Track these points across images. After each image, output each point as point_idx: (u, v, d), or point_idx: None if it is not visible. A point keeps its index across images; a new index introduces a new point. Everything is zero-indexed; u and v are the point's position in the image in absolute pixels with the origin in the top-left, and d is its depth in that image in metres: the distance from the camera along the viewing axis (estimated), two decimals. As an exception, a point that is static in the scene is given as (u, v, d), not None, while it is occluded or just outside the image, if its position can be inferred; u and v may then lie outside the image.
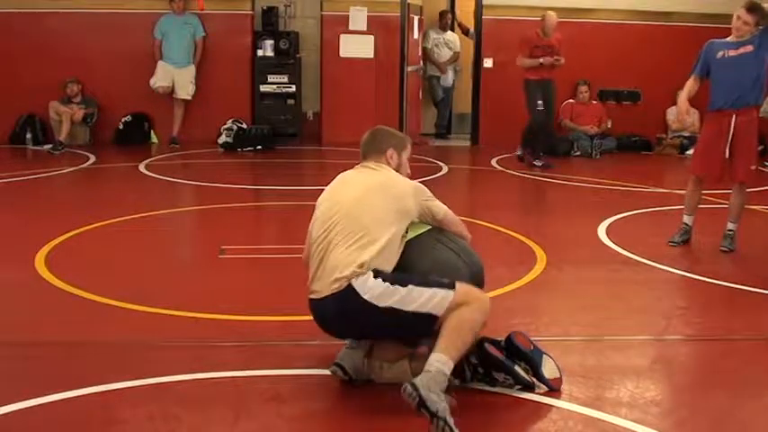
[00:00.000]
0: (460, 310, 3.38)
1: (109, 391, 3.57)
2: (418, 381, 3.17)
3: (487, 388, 3.65)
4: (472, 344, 3.52)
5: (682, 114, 6.44)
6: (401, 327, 3.47)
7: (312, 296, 3.58)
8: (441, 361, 3.28)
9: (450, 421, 3.09)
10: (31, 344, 4.16)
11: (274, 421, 3.41)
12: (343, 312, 3.47)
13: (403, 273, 3.53)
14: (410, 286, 3.40)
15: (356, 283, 3.39)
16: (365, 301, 3.39)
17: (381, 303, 3.38)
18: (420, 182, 4.00)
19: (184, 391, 3.64)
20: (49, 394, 3.48)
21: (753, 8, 5.86)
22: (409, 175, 3.91)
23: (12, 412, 3.35)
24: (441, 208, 3.83)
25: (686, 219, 6.36)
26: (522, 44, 10.04)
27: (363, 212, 3.54)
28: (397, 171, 3.84)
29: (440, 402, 3.12)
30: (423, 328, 3.45)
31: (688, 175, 6.53)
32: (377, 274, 3.42)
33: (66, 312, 4.66)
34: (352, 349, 3.67)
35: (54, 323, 4.48)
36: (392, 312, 3.39)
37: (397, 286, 3.39)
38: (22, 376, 3.77)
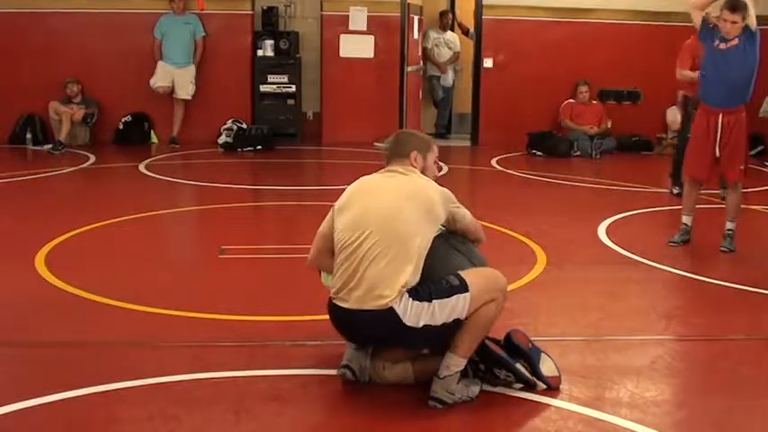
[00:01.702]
0: (481, 311, 3.48)
1: (109, 391, 3.57)
2: (438, 394, 3.47)
3: (488, 387, 3.65)
4: None
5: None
6: (432, 339, 3.51)
7: (340, 303, 3.52)
8: (456, 364, 3.49)
9: (467, 397, 3.51)
10: (31, 344, 4.16)
11: (274, 421, 3.41)
12: (378, 329, 3.47)
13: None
14: (434, 301, 3.44)
15: (398, 307, 3.40)
16: (404, 323, 3.41)
17: (419, 324, 3.42)
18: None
19: (184, 391, 3.64)
20: (49, 394, 3.48)
21: (736, 6, 5.85)
22: (436, 177, 3.85)
23: (12, 412, 3.35)
24: (464, 214, 3.79)
25: (685, 219, 6.35)
26: (684, 53, 8.31)
27: (399, 224, 3.49)
28: (422, 173, 3.77)
29: (465, 391, 3.51)
30: (450, 334, 3.49)
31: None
32: (409, 292, 3.43)
33: (66, 312, 4.66)
34: (358, 350, 3.67)
35: (54, 323, 4.48)
36: (426, 329, 3.43)
37: (425, 303, 3.43)
38: (22, 376, 3.77)
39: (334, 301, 3.56)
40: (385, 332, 3.47)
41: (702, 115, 6.12)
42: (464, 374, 3.58)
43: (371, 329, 3.48)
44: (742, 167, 6.13)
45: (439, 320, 3.43)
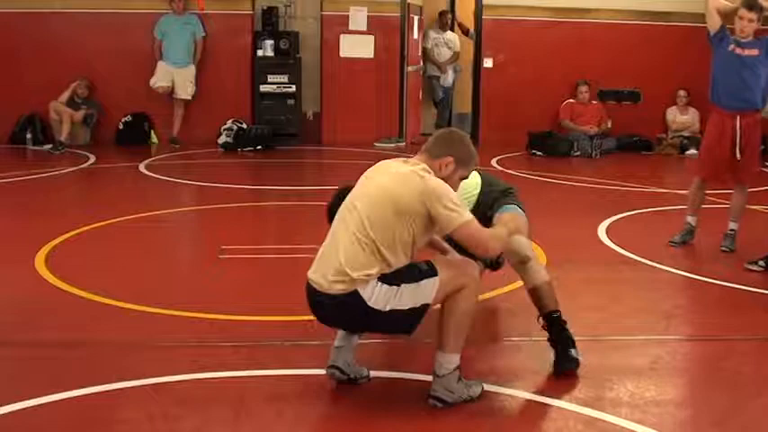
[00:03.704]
0: (456, 302, 3.44)
1: (109, 391, 3.57)
2: (438, 392, 3.48)
3: (489, 387, 3.65)
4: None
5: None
6: (397, 323, 3.47)
7: (311, 283, 3.50)
8: (449, 362, 3.47)
9: (468, 397, 3.50)
10: (31, 344, 4.16)
11: (274, 421, 3.41)
12: (344, 313, 3.46)
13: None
14: (402, 285, 3.41)
15: (363, 291, 3.38)
16: (370, 306, 3.39)
17: (386, 307, 3.40)
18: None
19: (184, 391, 3.64)
20: (49, 394, 3.49)
21: (753, 5, 5.89)
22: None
23: (12, 412, 3.35)
24: (454, 220, 3.39)
25: (690, 219, 6.35)
26: None
27: (379, 206, 3.41)
28: (443, 180, 3.50)
29: (466, 390, 3.51)
30: (417, 319, 3.46)
31: (688, 175, 6.55)
32: (380, 278, 3.41)
33: (66, 312, 4.66)
34: (340, 348, 3.67)
35: (54, 323, 4.48)
36: (392, 313, 3.41)
37: (393, 287, 3.40)
38: (22, 376, 3.77)
39: (308, 277, 3.53)
40: (350, 316, 3.46)
41: (717, 118, 6.12)
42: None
43: (337, 313, 3.47)
44: (757, 170, 6.17)
45: (406, 304, 3.41)
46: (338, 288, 3.39)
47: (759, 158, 6.26)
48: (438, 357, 3.49)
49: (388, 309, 3.40)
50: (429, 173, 3.48)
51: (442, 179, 3.50)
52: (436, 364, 3.49)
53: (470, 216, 3.45)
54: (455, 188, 3.56)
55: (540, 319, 4.03)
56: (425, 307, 3.45)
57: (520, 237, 4.03)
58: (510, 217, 4.06)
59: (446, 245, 3.81)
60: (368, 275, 3.37)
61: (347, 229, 3.43)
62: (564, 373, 3.89)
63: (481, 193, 4.27)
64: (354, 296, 3.38)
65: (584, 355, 4.15)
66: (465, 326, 3.51)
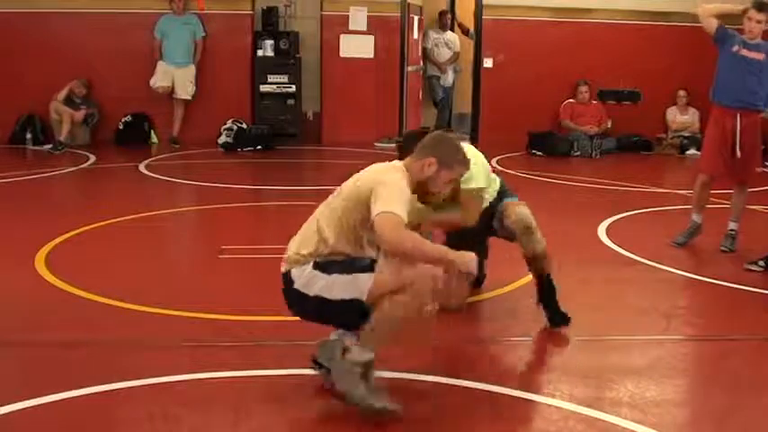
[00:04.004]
0: (387, 303, 3.28)
1: (109, 391, 3.57)
2: (333, 371, 3.36)
3: (488, 387, 3.65)
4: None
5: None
6: (328, 313, 3.44)
7: None
8: (357, 354, 3.34)
9: (364, 403, 3.27)
10: (30, 344, 4.16)
11: (274, 421, 3.41)
12: (285, 296, 3.51)
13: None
14: (335, 274, 3.37)
15: (293, 272, 3.42)
16: (296, 289, 3.42)
17: (310, 292, 3.39)
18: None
19: (184, 391, 3.64)
20: (49, 394, 3.48)
21: (762, 7, 5.88)
22: (437, 194, 3.56)
23: (12, 412, 3.35)
24: (380, 209, 3.26)
25: (695, 217, 6.32)
26: None
27: (346, 194, 3.45)
28: (423, 181, 3.49)
29: (355, 389, 3.28)
30: (350, 317, 3.40)
31: (688, 175, 6.54)
32: (316, 264, 3.40)
33: (66, 312, 4.66)
34: (320, 344, 3.64)
35: (54, 323, 4.48)
36: (320, 300, 3.39)
37: (323, 274, 3.37)
38: (22, 376, 3.77)
39: None
40: (290, 300, 3.48)
41: (718, 116, 6.12)
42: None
43: (284, 297, 3.51)
44: (758, 170, 6.16)
45: (337, 295, 3.35)
46: (282, 269, 3.47)
47: (760, 158, 6.25)
48: (354, 342, 3.39)
49: (313, 294, 3.38)
50: (402, 170, 3.47)
51: (426, 180, 3.48)
52: (348, 343, 3.38)
53: (398, 212, 3.27)
54: (443, 189, 3.54)
55: (537, 295, 4.58)
56: (360, 303, 3.34)
57: (525, 208, 4.52)
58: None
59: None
60: (303, 255, 3.40)
61: (313, 216, 3.51)
62: (558, 327, 4.46)
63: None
64: (287, 277, 3.44)
65: (584, 355, 4.16)
66: (388, 333, 3.35)
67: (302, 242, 3.47)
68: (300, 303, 3.46)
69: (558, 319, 4.51)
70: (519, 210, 4.49)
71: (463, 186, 4.27)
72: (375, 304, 3.33)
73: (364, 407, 3.29)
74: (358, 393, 3.29)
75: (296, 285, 3.41)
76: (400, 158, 3.65)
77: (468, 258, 3.31)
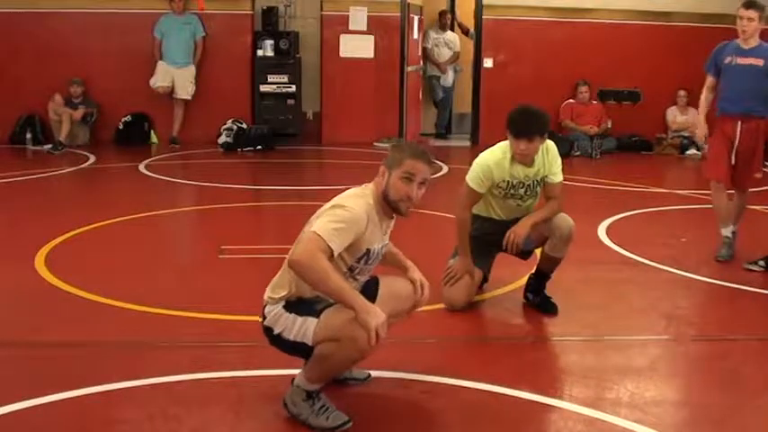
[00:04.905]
0: (330, 346, 3.22)
1: (109, 391, 3.58)
2: (286, 397, 3.41)
3: (488, 387, 3.65)
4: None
5: (702, 133, 6.34)
6: (292, 350, 3.41)
7: None
8: (301, 381, 3.36)
9: (311, 421, 3.32)
10: (31, 344, 4.16)
11: (274, 421, 3.41)
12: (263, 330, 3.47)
13: None
14: (292, 314, 3.35)
15: (267, 308, 3.41)
16: (266, 326, 3.41)
17: (275, 330, 3.38)
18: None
19: (184, 391, 3.64)
20: (49, 394, 3.49)
21: (750, 4, 5.86)
22: (404, 199, 3.41)
23: (12, 412, 3.35)
24: (313, 228, 3.23)
25: (724, 231, 6.11)
26: None
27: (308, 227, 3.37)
28: (384, 192, 3.42)
29: (311, 414, 3.32)
30: (305, 355, 3.37)
31: (688, 175, 6.54)
32: (287, 303, 3.37)
33: (66, 312, 4.66)
34: None
35: (54, 323, 4.48)
36: (279, 339, 3.38)
37: (287, 313, 3.35)
38: (22, 376, 3.77)
39: None
40: (267, 338, 3.46)
41: (720, 122, 6.08)
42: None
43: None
44: (758, 175, 6.13)
45: (291, 335, 3.34)
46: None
47: (760, 165, 6.19)
48: (301, 371, 3.40)
49: (276, 332, 3.38)
50: (367, 194, 3.43)
51: (388, 188, 3.40)
52: (298, 373, 3.41)
53: (326, 239, 3.19)
54: (402, 194, 3.40)
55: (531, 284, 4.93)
56: (306, 347, 3.30)
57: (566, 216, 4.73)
58: None
59: (408, 262, 3.66)
60: (274, 299, 3.38)
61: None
62: (548, 314, 4.74)
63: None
64: (262, 312, 3.43)
65: (584, 355, 4.16)
66: (326, 369, 3.32)
67: (275, 285, 3.43)
68: (270, 338, 3.44)
69: (549, 306, 4.81)
70: (569, 218, 4.75)
71: (555, 180, 4.74)
72: (320, 345, 3.28)
73: (316, 427, 3.32)
74: (314, 419, 3.33)
75: (266, 323, 3.41)
76: None
77: (374, 318, 3.09)
